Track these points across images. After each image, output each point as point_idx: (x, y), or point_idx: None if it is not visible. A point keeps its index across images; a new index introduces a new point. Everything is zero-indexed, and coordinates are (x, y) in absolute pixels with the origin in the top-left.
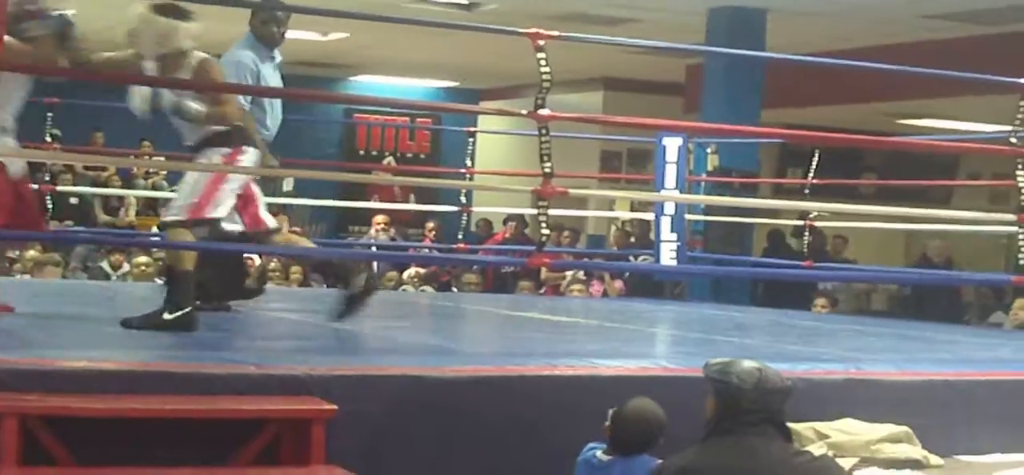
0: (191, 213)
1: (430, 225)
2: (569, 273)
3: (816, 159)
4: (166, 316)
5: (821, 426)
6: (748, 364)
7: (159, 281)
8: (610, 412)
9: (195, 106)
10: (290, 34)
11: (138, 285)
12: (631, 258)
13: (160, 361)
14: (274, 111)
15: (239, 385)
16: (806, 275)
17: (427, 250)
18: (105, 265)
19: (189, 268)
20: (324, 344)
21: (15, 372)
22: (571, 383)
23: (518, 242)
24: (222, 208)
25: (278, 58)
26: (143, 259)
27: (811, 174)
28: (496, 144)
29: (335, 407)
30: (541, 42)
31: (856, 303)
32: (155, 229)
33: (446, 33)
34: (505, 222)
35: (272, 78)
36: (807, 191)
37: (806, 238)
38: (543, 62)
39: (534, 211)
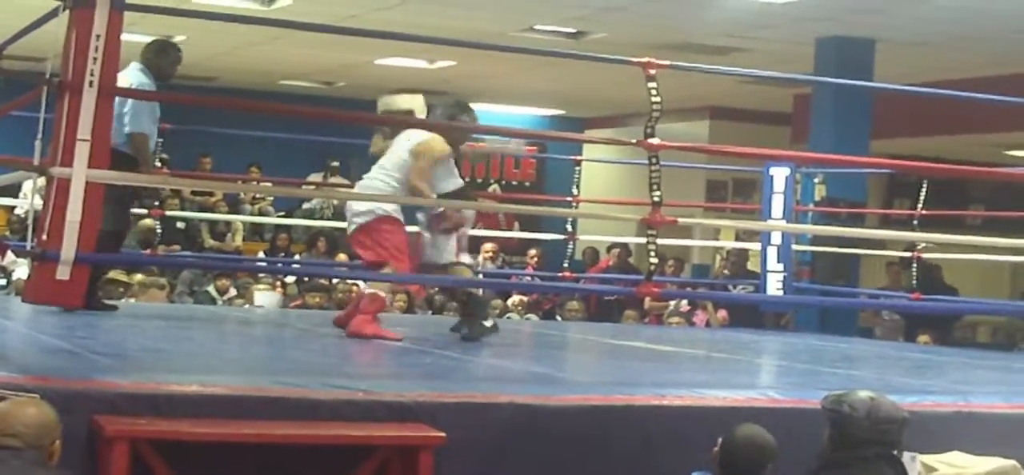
0: (456, 256)
1: (532, 252)
2: (672, 303)
3: (924, 190)
4: (486, 324)
5: (928, 459)
6: (862, 394)
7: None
8: (719, 439)
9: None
10: (397, 62)
11: (245, 309)
12: (738, 288)
13: (269, 387)
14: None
15: (348, 411)
16: (914, 307)
17: (529, 278)
18: (211, 290)
19: (481, 293)
20: (431, 371)
21: (126, 396)
22: (679, 413)
23: (622, 270)
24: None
25: None
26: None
27: (920, 205)
28: (600, 173)
29: (443, 434)
30: (652, 71)
31: (960, 335)
32: (261, 255)
33: (552, 62)
34: (609, 250)
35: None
36: (916, 222)
37: (914, 269)
38: (654, 91)
39: (638, 240)
